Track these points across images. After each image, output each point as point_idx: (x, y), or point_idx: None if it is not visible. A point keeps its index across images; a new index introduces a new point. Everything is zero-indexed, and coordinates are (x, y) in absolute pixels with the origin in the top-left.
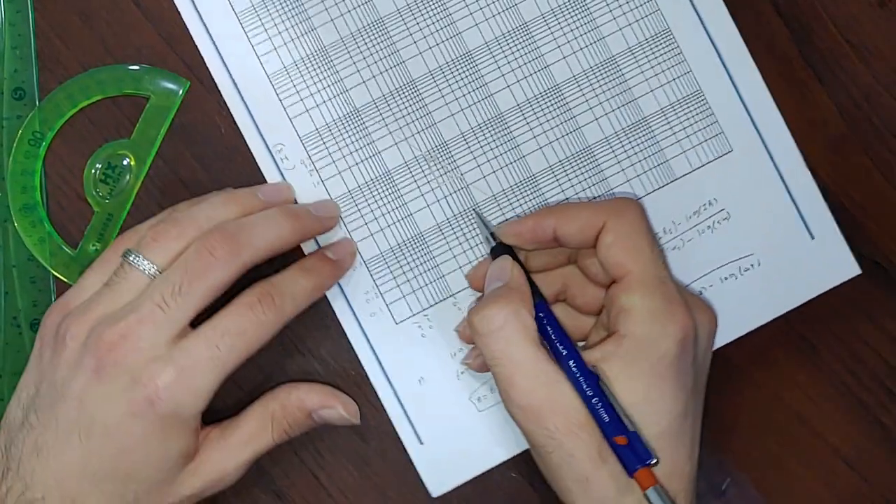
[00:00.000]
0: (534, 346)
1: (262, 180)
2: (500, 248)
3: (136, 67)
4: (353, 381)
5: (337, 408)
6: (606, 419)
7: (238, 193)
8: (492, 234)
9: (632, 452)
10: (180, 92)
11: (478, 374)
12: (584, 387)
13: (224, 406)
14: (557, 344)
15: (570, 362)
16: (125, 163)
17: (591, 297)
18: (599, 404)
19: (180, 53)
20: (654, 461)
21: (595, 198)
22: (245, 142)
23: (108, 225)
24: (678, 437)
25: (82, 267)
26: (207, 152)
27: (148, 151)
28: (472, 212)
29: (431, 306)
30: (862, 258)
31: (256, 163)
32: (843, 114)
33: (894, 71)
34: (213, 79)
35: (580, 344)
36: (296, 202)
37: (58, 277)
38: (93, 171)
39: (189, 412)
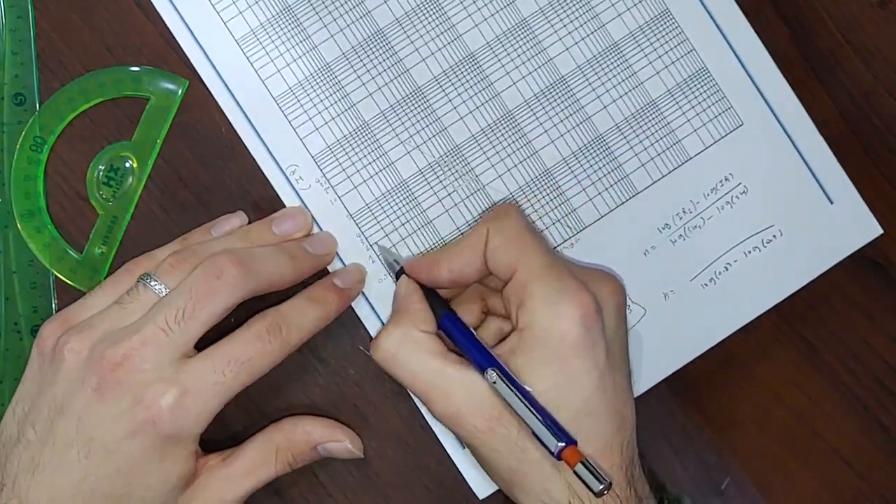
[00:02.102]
0: (432, 358)
1: (263, 179)
2: (400, 272)
3: (135, 69)
4: (353, 381)
5: (344, 442)
6: (520, 407)
7: (252, 230)
8: (395, 261)
9: (551, 435)
10: (180, 92)
11: None
12: (493, 380)
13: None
14: (464, 345)
15: (478, 359)
16: (127, 164)
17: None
18: (513, 394)
19: (180, 53)
20: (571, 442)
21: (613, 185)
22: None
23: (112, 227)
24: (597, 413)
25: (89, 271)
26: (208, 151)
27: (149, 152)
28: (376, 246)
29: None
30: (862, 258)
31: (256, 162)
32: (843, 114)
33: (894, 71)
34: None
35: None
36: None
37: (63, 282)
38: (95, 173)
39: (189, 435)
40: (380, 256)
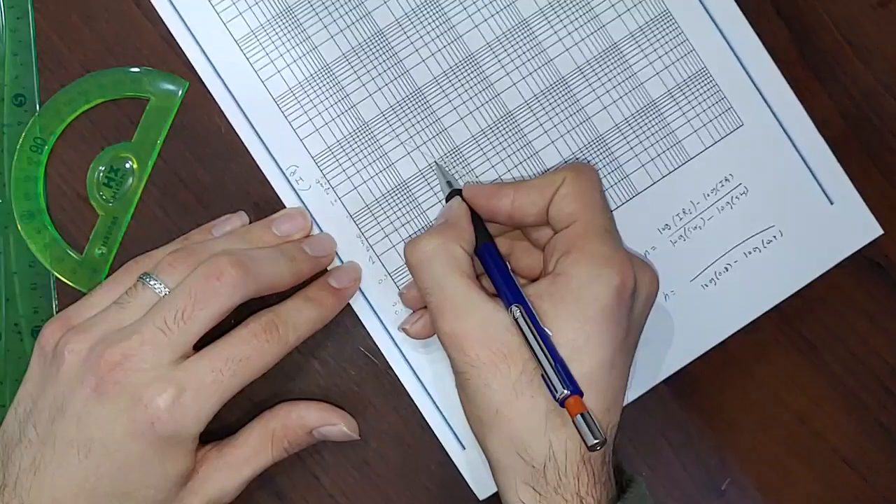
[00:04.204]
0: (462, 276)
1: (263, 180)
2: (452, 194)
3: (135, 69)
4: (353, 381)
5: (339, 425)
6: (538, 347)
7: (252, 231)
8: (448, 182)
9: (559, 381)
10: (180, 93)
11: None
12: (517, 316)
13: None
14: (496, 276)
15: (506, 292)
16: (127, 165)
17: (534, 261)
18: (533, 334)
19: (180, 53)
20: (578, 392)
21: (613, 186)
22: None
23: (112, 228)
24: (598, 385)
25: (89, 271)
26: (208, 152)
27: (149, 153)
28: (433, 164)
29: None
30: (862, 258)
31: (256, 163)
32: (843, 114)
33: (894, 71)
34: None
35: None
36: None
37: (64, 283)
38: (96, 174)
39: (188, 434)
40: (438, 174)
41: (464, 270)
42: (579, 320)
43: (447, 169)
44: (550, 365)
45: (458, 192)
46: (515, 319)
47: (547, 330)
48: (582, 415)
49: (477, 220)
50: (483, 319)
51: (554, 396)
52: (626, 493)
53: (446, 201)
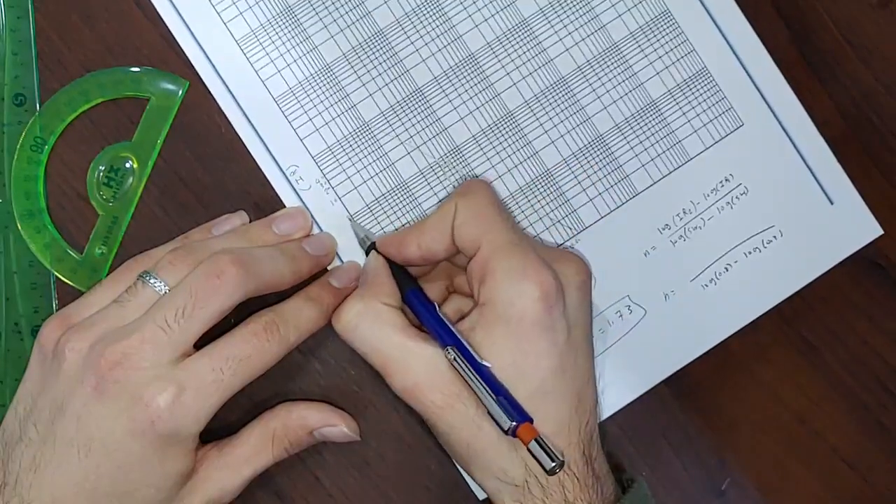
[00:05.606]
0: (394, 332)
1: (263, 180)
2: (370, 248)
3: (135, 69)
4: (353, 381)
5: (340, 426)
6: (476, 384)
7: (252, 229)
8: (366, 236)
9: (505, 413)
10: (180, 92)
11: None
12: (452, 357)
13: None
14: (426, 320)
15: (439, 335)
16: (128, 165)
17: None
18: (469, 372)
19: (180, 53)
20: (526, 419)
21: (613, 186)
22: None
23: (112, 228)
24: (554, 393)
25: (89, 271)
26: (208, 152)
27: (150, 153)
28: (348, 221)
29: None
30: (862, 259)
31: (257, 163)
32: (843, 114)
33: (894, 71)
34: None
35: None
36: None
37: (64, 282)
38: (96, 174)
39: (188, 433)
40: (354, 231)
41: (394, 325)
42: (513, 340)
43: (360, 223)
44: (493, 400)
45: (373, 244)
46: (452, 361)
47: (485, 363)
48: (535, 440)
49: (398, 268)
50: (426, 367)
51: (504, 431)
52: (626, 493)
53: (366, 256)
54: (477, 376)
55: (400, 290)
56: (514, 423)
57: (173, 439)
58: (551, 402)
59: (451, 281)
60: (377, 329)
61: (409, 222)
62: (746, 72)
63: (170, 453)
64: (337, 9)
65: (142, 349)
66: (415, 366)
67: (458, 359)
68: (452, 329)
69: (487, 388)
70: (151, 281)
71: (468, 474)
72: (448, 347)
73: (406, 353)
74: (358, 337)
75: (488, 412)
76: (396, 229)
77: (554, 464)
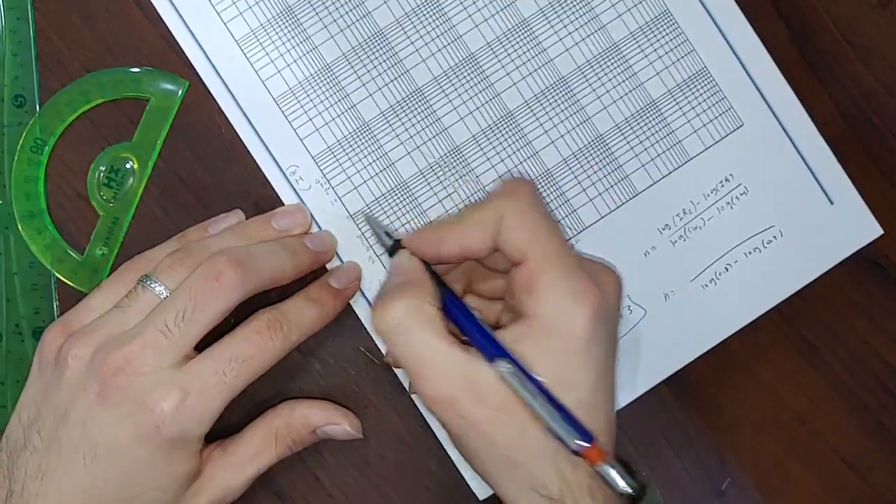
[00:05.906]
0: (440, 336)
1: (263, 180)
2: (397, 245)
3: (135, 69)
4: (353, 381)
5: (342, 424)
6: (537, 399)
7: (250, 226)
8: (386, 233)
9: (576, 430)
10: (180, 93)
11: None
12: (506, 368)
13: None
14: (471, 331)
15: (484, 348)
16: (128, 165)
17: (495, 284)
18: (527, 388)
19: (180, 53)
20: (592, 438)
21: (613, 186)
22: (245, 141)
23: (113, 229)
24: (591, 410)
25: (90, 272)
26: (208, 152)
27: (150, 153)
28: (362, 216)
29: None
30: (862, 258)
31: (257, 163)
32: (843, 114)
33: (894, 71)
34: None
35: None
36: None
37: (65, 283)
38: (96, 174)
39: (193, 436)
40: (372, 229)
41: (437, 329)
42: (561, 356)
43: (361, 223)
44: (559, 416)
45: (398, 242)
46: (502, 374)
47: (539, 378)
48: (611, 464)
49: (429, 269)
50: (470, 379)
51: (573, 451)
52: (640, 500)
53: (389, 255)
54: (538, 391)
55: None
56: (586, 444)
57: (179, 443)
58: (591, 417)
59: (469, 281)
60: (423, 332)
61: (409, 222)
62: (746, 72)
63: (175, 456)
64: (337, 9)
65: (143, 354)
66: (458, 376)
67: (514, 373)
68: (500, 342)
69: (550, 405)
70: (151, 285)
71: (495, 489)
72: (500, 360)
73: (450, 362)
74: (401, 338)
75: (549, 429)
76: (397, 229)
77: (629, 489)
